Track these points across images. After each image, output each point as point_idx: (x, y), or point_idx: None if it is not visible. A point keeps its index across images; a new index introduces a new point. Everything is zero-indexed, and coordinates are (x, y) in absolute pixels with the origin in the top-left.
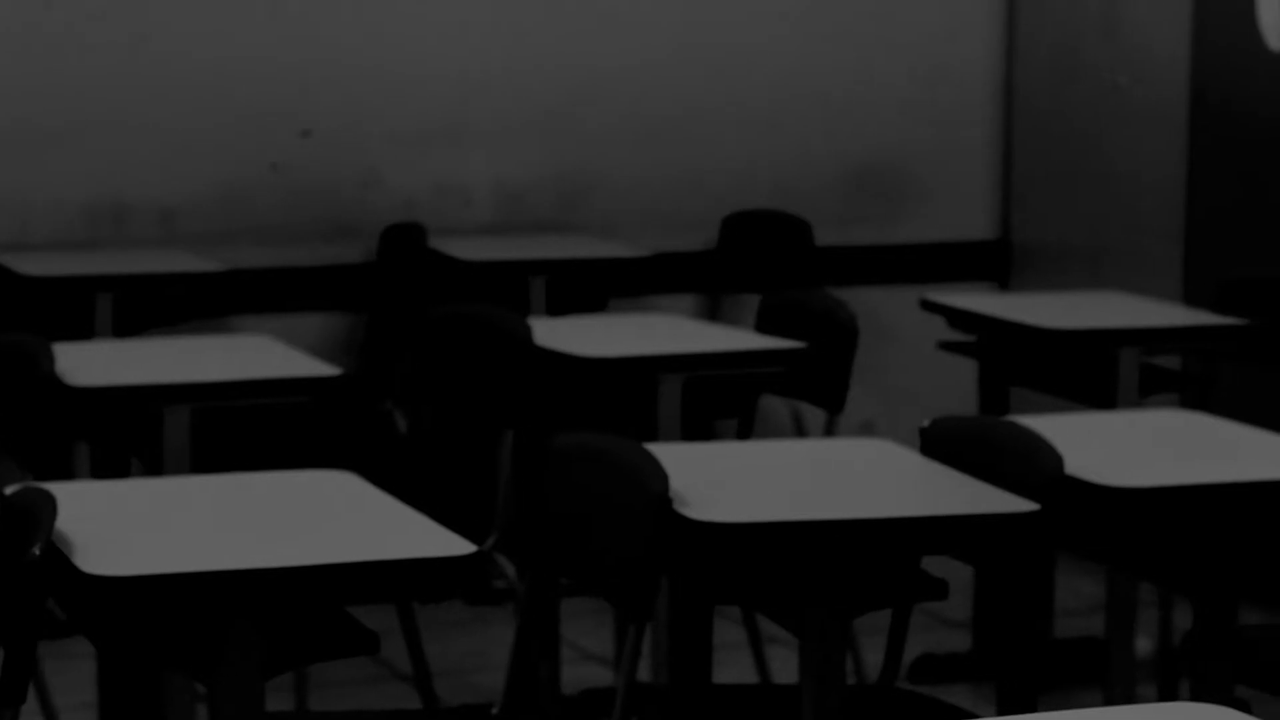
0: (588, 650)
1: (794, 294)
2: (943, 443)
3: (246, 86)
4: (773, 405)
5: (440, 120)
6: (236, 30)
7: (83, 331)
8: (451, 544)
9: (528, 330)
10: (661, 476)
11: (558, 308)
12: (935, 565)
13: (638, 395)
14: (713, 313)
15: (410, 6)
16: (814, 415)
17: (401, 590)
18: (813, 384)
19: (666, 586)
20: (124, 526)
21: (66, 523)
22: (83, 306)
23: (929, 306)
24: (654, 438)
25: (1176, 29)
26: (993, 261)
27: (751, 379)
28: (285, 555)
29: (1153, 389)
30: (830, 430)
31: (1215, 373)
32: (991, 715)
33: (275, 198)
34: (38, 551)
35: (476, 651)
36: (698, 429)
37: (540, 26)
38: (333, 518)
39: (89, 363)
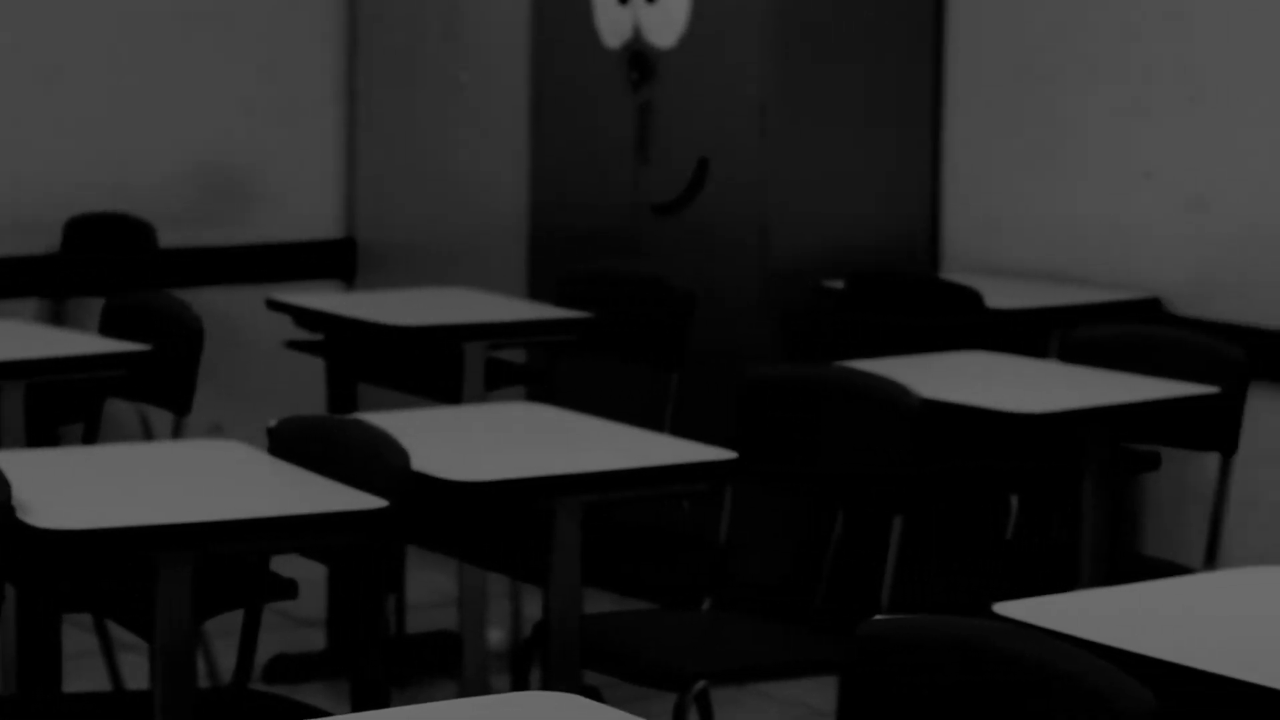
0: None
1: (138, 296)
2: (290, 442)
3: None
4: (119, 409)
5: None
6: None
7: None
8: None
9: None
10: (4, 484)
11: None
12: (288, 564)
13: None
14: (56, 317)
15: None
16: (161, 418)
17: None
18: (159, 386)
19: (13, 595)
20: None
21: None
22: None
23: (275, 306)
24: None
25: (516, 27)
26: (339, 260)
27: (96, 382)
28: None
29: (499, 383)
30: (178, 432)
31: (558, 365)
32: (345, 712)
33: None
34: None
35: None
36: (42, 435)
37: None
38: None
39: None
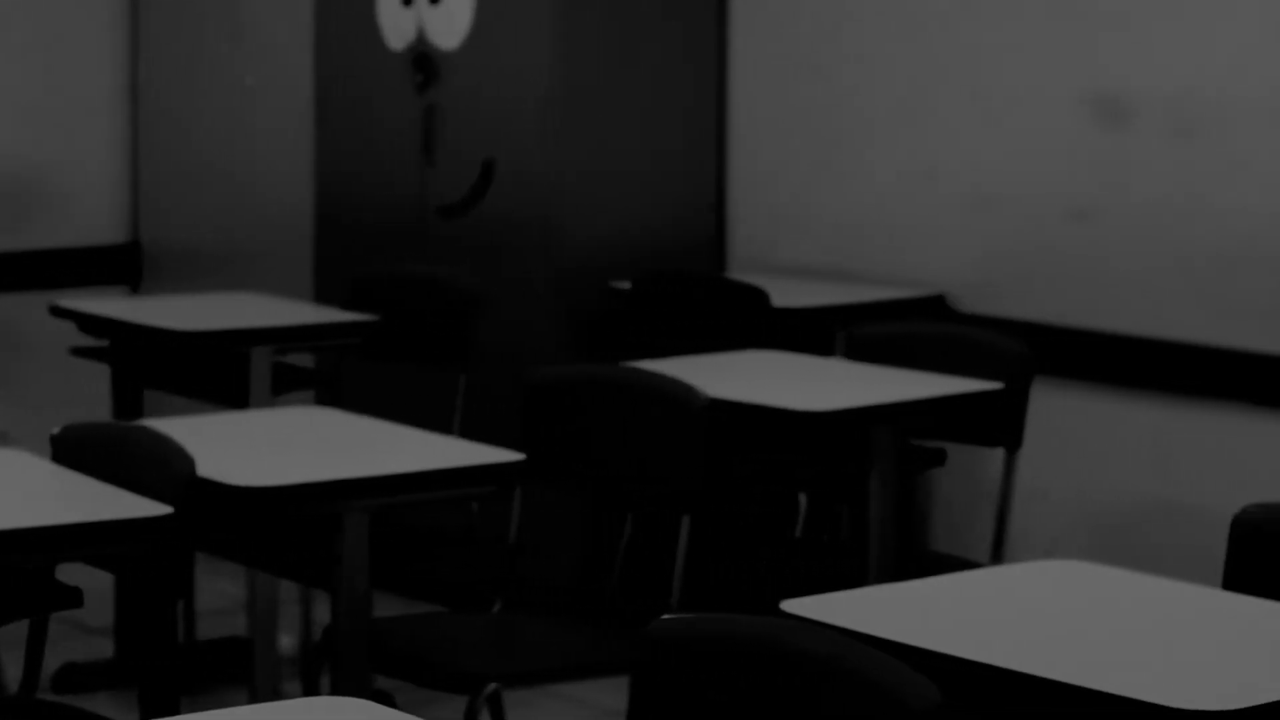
0: None
1: None
2: (74, 450)
3: None
4: None
5: None
6: None
7: None
8: None
9: None
10: None
11: None
12: (75, 573)
13: None
14: None
15: None
16: None
17: None
18: None
19: None
20: None
21: None
22: None
23: (59, 313)
24: None
25: (300, 29)
26: (124, 265)
27: None
28: None
29: (286, 387)
30: None
31: (346, 368)
32: None
33: None
34: None
35: None
36: None
37: None
38: None
39: None
